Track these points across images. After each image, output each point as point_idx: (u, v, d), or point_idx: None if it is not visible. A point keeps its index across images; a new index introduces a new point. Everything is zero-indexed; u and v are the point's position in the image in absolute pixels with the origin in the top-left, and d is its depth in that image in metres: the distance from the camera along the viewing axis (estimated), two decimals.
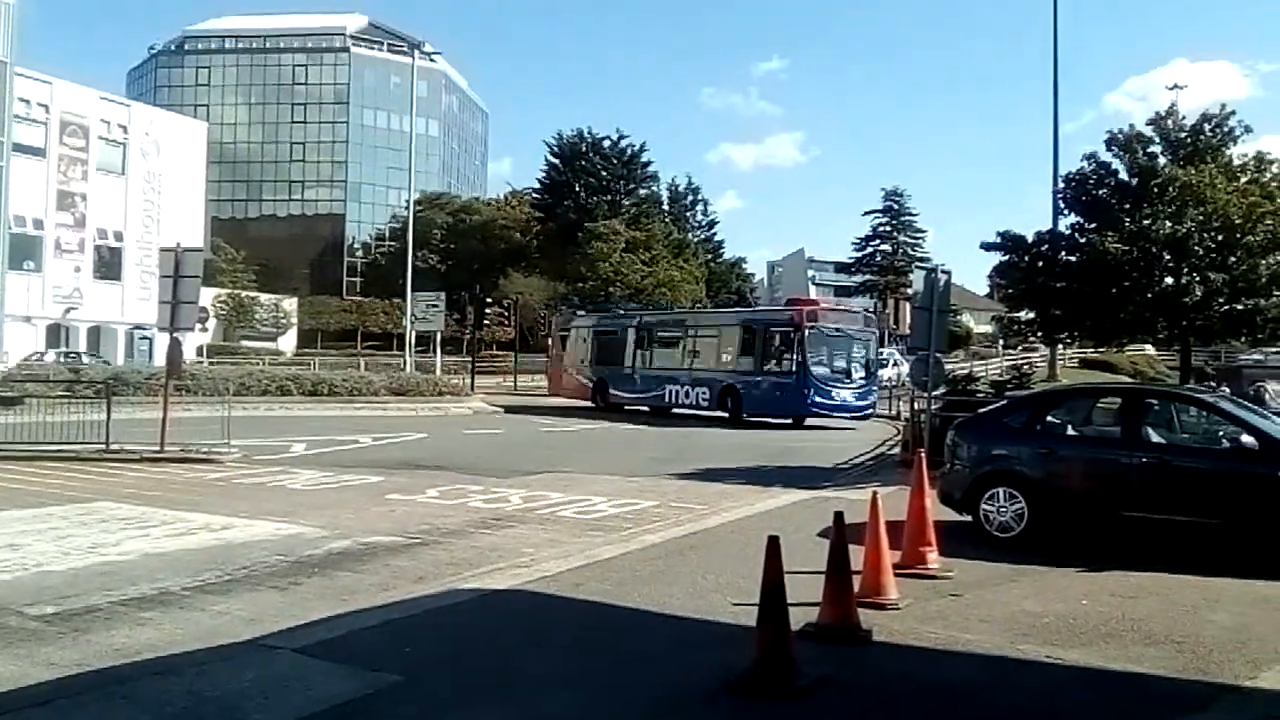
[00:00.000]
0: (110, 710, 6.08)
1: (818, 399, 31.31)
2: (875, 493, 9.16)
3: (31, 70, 55.67)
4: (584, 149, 75.94)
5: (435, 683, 6.66)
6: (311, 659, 7.00)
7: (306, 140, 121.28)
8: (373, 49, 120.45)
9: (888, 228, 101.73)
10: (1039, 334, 27.22)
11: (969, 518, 12.11)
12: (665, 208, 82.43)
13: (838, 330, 32.56)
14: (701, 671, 6.90)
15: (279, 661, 6.97)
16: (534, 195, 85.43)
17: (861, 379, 32.78)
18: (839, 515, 7.48)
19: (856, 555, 7.99)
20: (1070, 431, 12.50)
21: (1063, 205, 24.43)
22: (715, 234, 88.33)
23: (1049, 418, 12.71)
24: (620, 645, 7.69)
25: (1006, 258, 23.58)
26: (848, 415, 31.94)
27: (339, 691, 6.34)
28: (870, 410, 32.53)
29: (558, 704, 6.34)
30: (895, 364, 47.60)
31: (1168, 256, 21.33)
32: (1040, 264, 23.10)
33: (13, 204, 52.97)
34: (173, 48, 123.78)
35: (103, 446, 19.98)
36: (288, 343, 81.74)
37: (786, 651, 6.43)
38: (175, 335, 21.07)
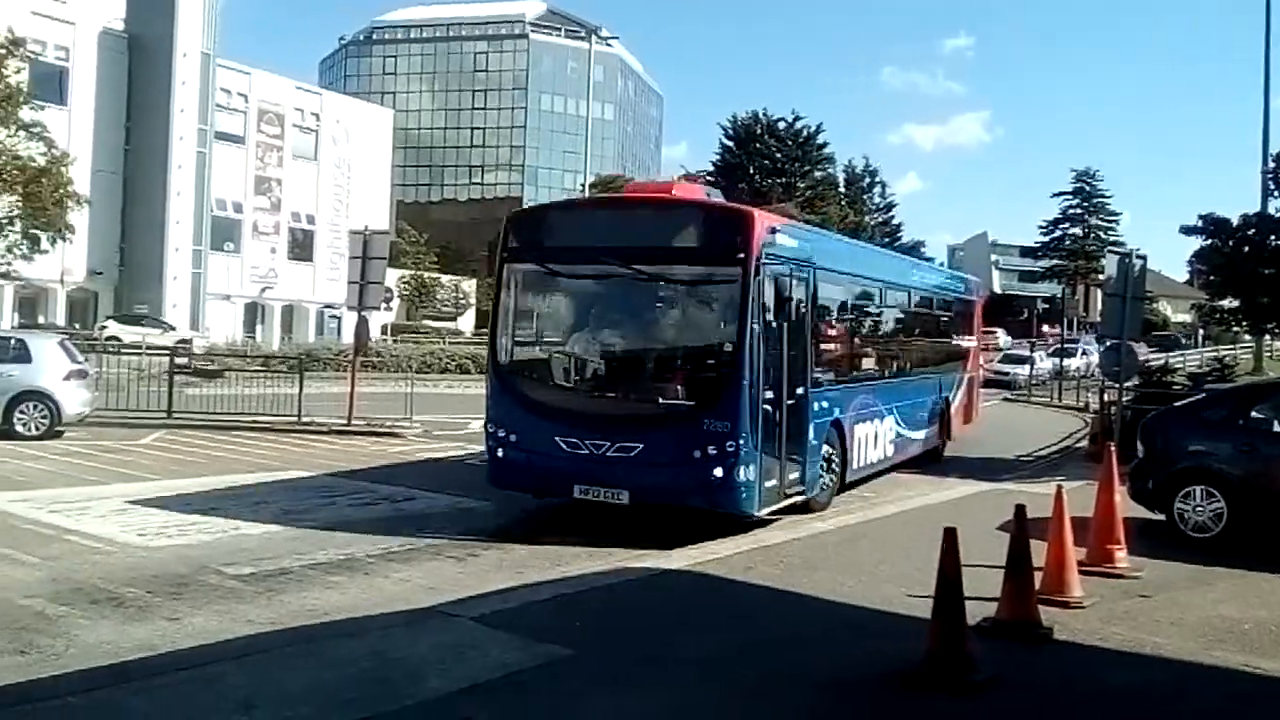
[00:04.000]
0: (301, 667, 6.37)
1: (506, 450, 11.64)
2: (1060, 486, 8.84)
3: (232, 61, 58.78)
4: (759, 131, 75.06)
5: (603, 658, 6.75)
6: (487, 628, 7.18)
7: (486, 125, 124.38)
8: (550, 35, 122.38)
9: (1078, 210, 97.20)
10: (1243, 323, 25.57)
11: (1161, 516, 11.54)
12: (841, 190, 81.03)
13: (595, 264, 11.78)
14: (872, 661, 6.77)
15: (456, 629, 7.19)
16: (707, 178, 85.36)
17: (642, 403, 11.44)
18: (1020, 508, 7.22)
19: (1038, 551, 7.72)
20: (1276, 428, 11.72)
21: (1273, 186, 22.89)
22: (893, 217, 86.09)
23: (1253, 413, 11.94)
24: (789, 631, 7.60)
25: (1208, 242, 22.25)
26: (602, 495, 11.04)
27: (512, 661, 6.49)
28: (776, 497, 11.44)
29: (724, 686, 6.33)
30: (1084, 353, 46.64)
31: None
32: (1246, 249, 21.69)
33: (215, 188, 56.29)
34: (361, 38, 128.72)
35: (295, 419, 21.03)
36: (467, 323, 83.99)
37: (962, 646, 6.26)
38: (362, 314, 21.92)
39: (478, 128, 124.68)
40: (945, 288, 20.89)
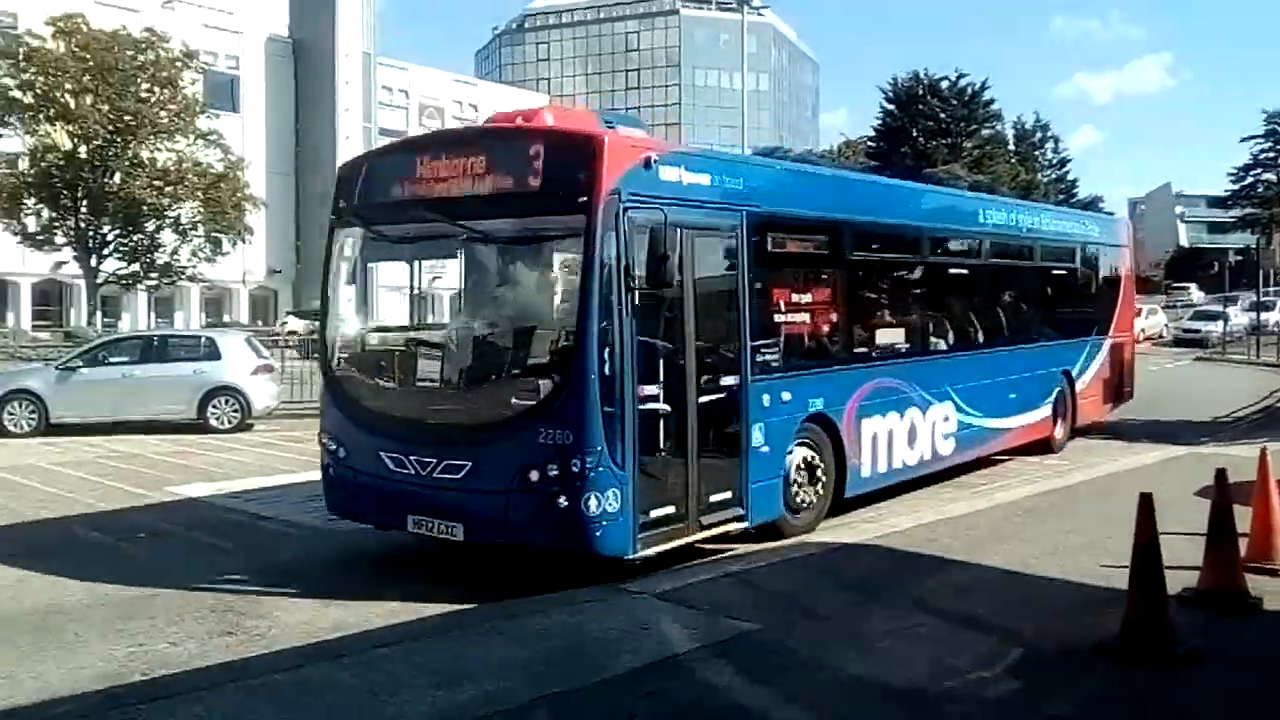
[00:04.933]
0: (496, 643, 6.53)
1: (336, 467, 9.16)
2: (1264, 448, 8.28)
3: (391, 59, 60.77)
4: (920, 92, 72.97)
5: (791, 633, 6.70)
6: (673, 605, 7.23)
7: (640, 105, 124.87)
8: (701, 9, 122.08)
9: (1272, 154, 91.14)
10: None
11: None
12: (1011, 148, 78.21)
13: (422, 222, 9.21)
14: (1066, 633, 6.56)
15: (642, 606, 7.25)
16: (869, 144, 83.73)
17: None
18: (1221, 472, 6.83)
19: (1242, 517, 7.30)
20: None
21: None
22: (1067, 173, 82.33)
23: None
24: (976, 604, 7.39)
25: None
26: (436, 528, 8.39)
27: (699, 637, 6.53)
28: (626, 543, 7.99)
29: (908, 660, 6.19)
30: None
31: None
32: None
33: None
34: (514, 27, 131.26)
35: None
36: None
37: (1162, 616, 6.00)
38: None
39: (632, 107, 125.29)
40: (1060, 233, 16.12)
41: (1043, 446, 14.71)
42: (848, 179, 11.86)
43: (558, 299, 8.62)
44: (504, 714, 5.35)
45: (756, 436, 9.11)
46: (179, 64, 35.34)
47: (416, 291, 9.96)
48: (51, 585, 8.50)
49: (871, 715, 5.56)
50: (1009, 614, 7.09)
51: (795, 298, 10.09)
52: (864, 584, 8.01)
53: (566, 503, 7.68)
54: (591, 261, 7.76)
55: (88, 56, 32.90)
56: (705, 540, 8.74)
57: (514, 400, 8.12)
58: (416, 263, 9.87)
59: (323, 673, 6.05)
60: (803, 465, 9.79)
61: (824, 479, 10.04)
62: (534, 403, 7.93)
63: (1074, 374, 15.55)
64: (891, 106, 73.68)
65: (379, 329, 9.95)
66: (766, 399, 9.23)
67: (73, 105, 32.81)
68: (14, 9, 40.53)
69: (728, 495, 8.86)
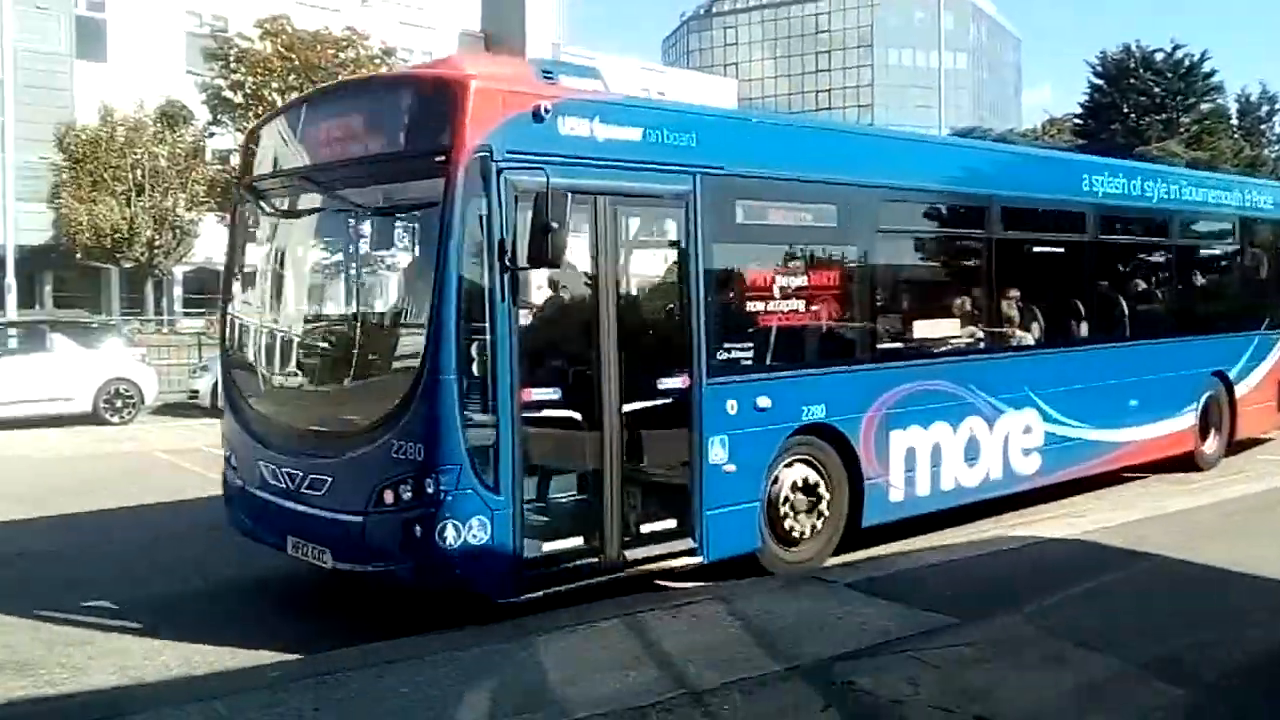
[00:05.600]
0: (675, 630, 6.48)
1: (229, 474, 7.99)
2: None
3: (580, 49, 61.86)
4: (1132, 65, 69.18)
5: (989, 627, 6.44)
6: (862, 595, 7.09)
7: (832, 87, 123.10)
8: None
9: None
10: None
11: None
12: (1234, 122, 73.34)
13: (300, 193, 8.13)
14: None
15: (832, 595, 7.14)
16: (1075, 122, 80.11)
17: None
18: None
19: None
20: None
21: None
22: None
23: None
24: (1192, 604, 6.96)
25: None
26: (310, 553, 7.09)
27: (891, 627, 6.39)
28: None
29: (1124, 664, 5.83)
30: None
31: None
32: None
33: None
34: (701, 12, 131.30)
35: None
36: None
37: None
38: None
39: (823, 90, 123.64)
40: (1209, 203, 13.21)
41: (1184, 463, 12.24)
42: (870, 135, 9.71)
43: (414, 284, 7.17)
44: (692, 696, 5.33)
45: (716, 452, 7.51)
46: (378, 60, 36.77)
47: (316, 273, 8.55)
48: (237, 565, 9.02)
49: None
50: (1226, 618, 6.65)
51: (782, 281, 8.18)
52: (1067, 579, 7.61)
53: (421, 531, 6.34)
54: (449, 235, 6.30)
55: (293, 56, 34.53)
56: (643, 575, 7.27)
57: (370, 405, 6.83)
58: (314, 240, 8.39)
59: (509, 651, 6.10)
60: (800, 487, 8.13)
61: (830, 506, 8.27)
62: (389, 408, 6.56)
63: (1231, 375, 12.95)
64: (1100, 82, 70.17)
65: (270, 319, 8.32)
66: (732, 406, 7.60)
67: (279, 103, 34.69)
68: (224, 13, 42.98)
69: (670, 524, 7.35)
